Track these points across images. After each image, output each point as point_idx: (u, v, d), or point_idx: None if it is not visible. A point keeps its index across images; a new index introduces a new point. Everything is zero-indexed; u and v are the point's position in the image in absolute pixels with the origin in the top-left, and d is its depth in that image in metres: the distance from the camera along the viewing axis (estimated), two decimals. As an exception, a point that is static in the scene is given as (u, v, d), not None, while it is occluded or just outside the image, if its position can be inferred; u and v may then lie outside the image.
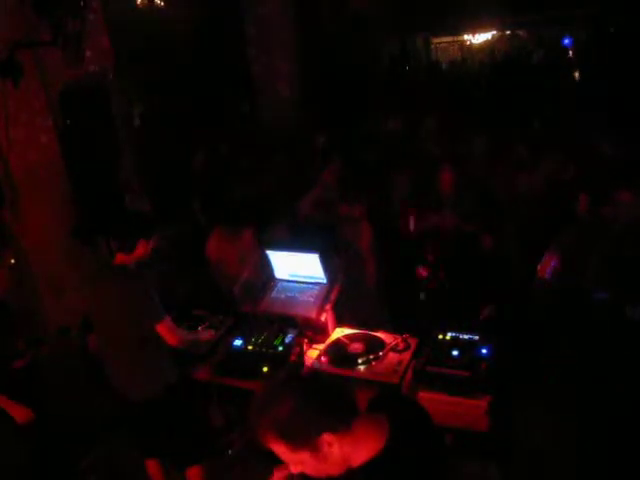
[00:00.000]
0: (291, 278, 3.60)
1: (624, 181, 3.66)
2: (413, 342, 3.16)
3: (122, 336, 3.06)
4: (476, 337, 3.00)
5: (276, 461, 1.64)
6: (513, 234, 4.73)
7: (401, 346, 3.12)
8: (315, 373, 1.80)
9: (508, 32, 15.56)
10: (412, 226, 4.81)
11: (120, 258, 3.11)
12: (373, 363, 3.02)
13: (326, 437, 1.48)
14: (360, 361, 3.03)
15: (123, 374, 3.16)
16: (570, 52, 12.99)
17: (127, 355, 3.11)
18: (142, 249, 3.11)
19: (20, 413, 3.28)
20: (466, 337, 3.01)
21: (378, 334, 3.26)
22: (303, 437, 1.47)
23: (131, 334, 3.04)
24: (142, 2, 8.70)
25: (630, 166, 4.52)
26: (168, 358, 3.19)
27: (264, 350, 3.24)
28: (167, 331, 3.05)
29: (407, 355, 3.06)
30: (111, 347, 3.16)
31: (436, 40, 15.91)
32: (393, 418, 1.61)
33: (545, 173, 5.16)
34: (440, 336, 3.05)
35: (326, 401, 1.51)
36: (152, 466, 3.43)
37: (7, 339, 3.41)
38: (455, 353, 2.89)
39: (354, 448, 1.53)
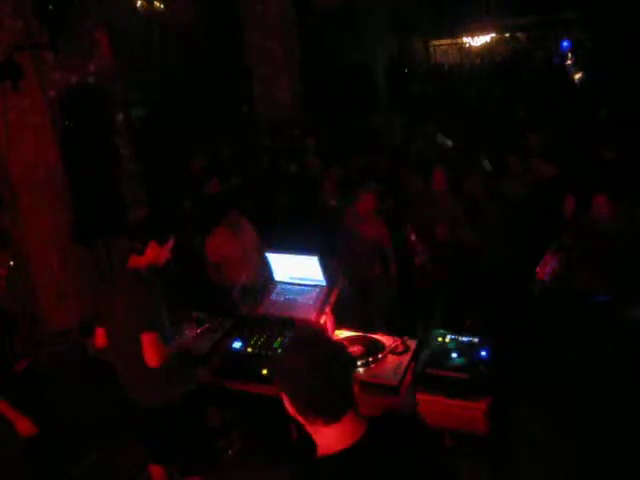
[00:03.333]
0: (290, 280, 3.60)
1: (611, 184, 3.69)
2: (412, 344, 3.15)
3: (131, 342, 2.88)
4: (475, 339, 2.99)
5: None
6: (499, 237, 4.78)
7: (400, 348, 3.12)
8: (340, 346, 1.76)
9: (507, 35, 15.57)
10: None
11: (134, 261, 3.00)
12: (372, 365, 3.01)
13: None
14: (359, 363, 3.02)
15: (132, 380, 3.04)
16: (569, 54, 13.01)
17: (136, 362, 2.90)
18: (153, 252, 2.98)
19: (25, 426, 3.22)
20: (465, 339, 3.01)
21: (377, 336, 3.26)
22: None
23: (138, 339, 2.85)
24: (142, 5, 8.71)
25: (625, 168, 4.54)
26: (187, 368, 3.11)
27: (263, 352, 3.23)
28: (148, 345, 2.80)
29: (406, 357, 3.05)
30: (120, 353, 3.03)
31: (435, 42, 15.92)
32: (374, 423, 1.62)
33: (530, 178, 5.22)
34: (439, 338, 3.05)
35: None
36: (156, 471, 3.34)
37: (8, 342, 3.39)
38: (454, 355, 2.89)
39: (333, 438, 1.55)
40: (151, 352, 2.81)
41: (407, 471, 1.55)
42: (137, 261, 3.00)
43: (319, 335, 1.67)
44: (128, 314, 2.91)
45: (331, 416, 1.53)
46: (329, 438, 1.54)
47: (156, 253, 3.01)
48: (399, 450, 1.57)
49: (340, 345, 1.66)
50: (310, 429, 1.56)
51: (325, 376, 1.51)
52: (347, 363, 1.62)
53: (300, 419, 1.55)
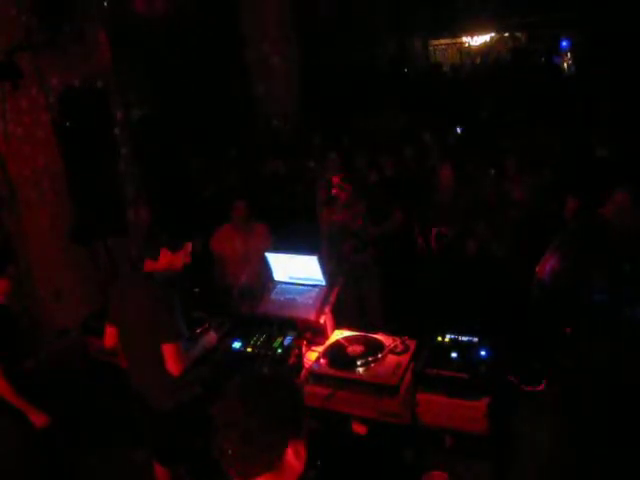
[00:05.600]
0: (290, 280, 3.60)
1: (618, 182, 3.68)
2: (412, 344, 3.16)
3: (143, 344, 2.95)
4: (475, 339, 3.00)
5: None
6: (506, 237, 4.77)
7: (400, 348, 3.12)
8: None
9: (507, 34, 15.57)
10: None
11: (148, 265, 3.01)
12: (372, 365, 3.01)
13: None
14: (359, 363, 3.02)
15: (143, 381, 3.08)
16: (568, 54, 13.01)
17: (147, 363, 2.98)
18: (166, 259, 2.99)
19: (39, 418, 3.29)
20: (465, 339, 3.01)
21: (377, 336, 3.27)
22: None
23: (152, 343, 2.90)
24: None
25: (625, 167, 4.54)
26: (196, 370, 3.12)
27: (263, 352, 3.24)
28: (170, 355, 2.86)
29: (406, 357, 3.06)
30: (132, 354, 3.08)
31: (434, 42, 15.92)
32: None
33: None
34: (439, 338, 3.05)
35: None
36: (161, 473, 3.35)
37: (15, 340, 3.38)
38: (454, 355, 2.89)
39: None
40: (173, 361, 2.85)
41: None
42: (152, 266, 3.00)
43: (268, 383, 1.49)
44: (144, 320, 2.92)
45: (238, 474, 1.41)
46: None
47: (170, 259, 3.01)
48: None
49: (284, 399, 1.45)
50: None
51: (241, 431, 1.38)
52: (278, 424, 1.42)
53: None
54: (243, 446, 1.38)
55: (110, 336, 3.16)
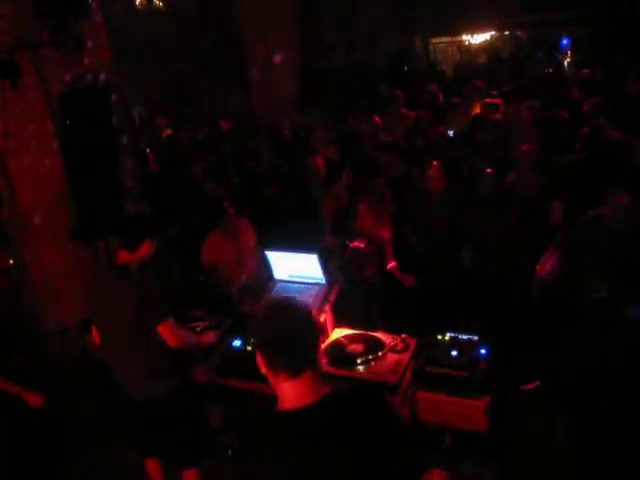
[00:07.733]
0: (290, 279, 3.60)
1: (615, 184, 3.68)
2: (412, 342, 3.16)
3: (125, 336, 3.05)
4: (475, 337, 3.00)
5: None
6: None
7: (400, 346, 3.12)
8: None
9: (507, 33, 15.55)
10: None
11: (123, 257, 3.10)
12: (372, 363, 3.02)
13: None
14: (359, 361, 3.03)
15: (126, 373, 3.14)
16: (569, 52, 13.01)
17: (130, 355, 3.08)
18: (145, 249, 3.12)
19: (32, 398, 3.42)
20: (465, 337, 3.01)
21: (377, 334, 3.27)
22: None
23: (134, 334, 3.02)
24: (141, 2, 8.69)
25: (622, 169, 4.53)
26: (172, 359, 3.18)
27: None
28: (168, 332, 3.04)
29: (406, 355, 3.06)
30: (114, 347, 3.14)
31: (435, 40, 15.90)
32: (338, 393, 1.73)
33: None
34: (439, 336, 3.05)
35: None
36: (152, 465, 3.42)
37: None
38: (454, 353, 2.89)
39: (290, 394, 1.66)
40: (171, 337, 3.06)
41: (344, 449, 1.59)
42: (128, 257, 3.10)
43: (291, 300, 1.82)
44: (127, 316, 3.00)
45: (291, 370, 1.64)
46: (287, 393, 1.66)
47: (148, 250, 3.14)
48: (347, 425, 1.63)
49: (310, 312, 1.81)
50: (274, 384, 1.68)
51: (288, 329, 1.65)
52: (312, 325, 1.74)
53: (269, 375, 1.67)
54: (297, 348, 1.66)
55: (97, 335, 3.23)
